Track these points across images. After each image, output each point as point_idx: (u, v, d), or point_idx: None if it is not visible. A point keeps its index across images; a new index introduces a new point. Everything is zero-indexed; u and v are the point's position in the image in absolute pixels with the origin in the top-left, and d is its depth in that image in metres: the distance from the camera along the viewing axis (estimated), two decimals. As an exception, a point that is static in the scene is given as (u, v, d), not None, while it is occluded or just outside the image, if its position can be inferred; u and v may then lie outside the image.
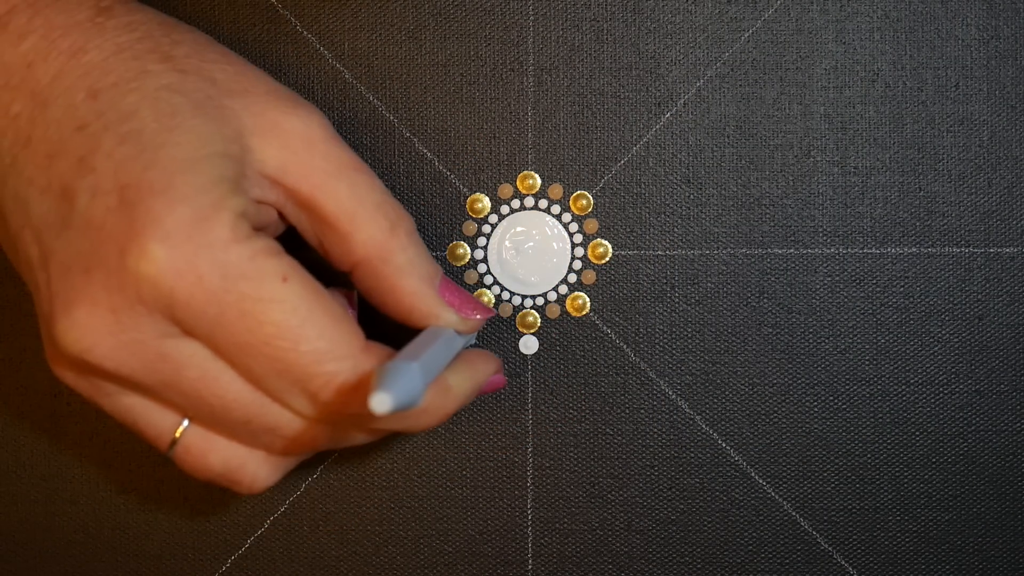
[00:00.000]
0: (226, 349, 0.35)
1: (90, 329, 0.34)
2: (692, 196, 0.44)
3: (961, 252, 0.44)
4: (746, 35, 0.44)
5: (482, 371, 0.39)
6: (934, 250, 0.44)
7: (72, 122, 0.35)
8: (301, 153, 0.36)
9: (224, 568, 0.46)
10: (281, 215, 0.38)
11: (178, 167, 0.34)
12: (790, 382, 0.44)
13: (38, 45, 0.36)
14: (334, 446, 0.38)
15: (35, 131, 0.36)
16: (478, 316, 0.39)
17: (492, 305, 0.45)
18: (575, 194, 0.44)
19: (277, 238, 0.38)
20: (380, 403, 0.30)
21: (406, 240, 0.38)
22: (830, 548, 0.44)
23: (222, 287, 0.34)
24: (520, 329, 0.45)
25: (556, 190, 0.44)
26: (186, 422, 0.37)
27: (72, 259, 0.34)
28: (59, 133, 0.35)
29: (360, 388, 0.35)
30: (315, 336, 0.35)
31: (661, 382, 0.44)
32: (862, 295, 0.44)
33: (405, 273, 0.38)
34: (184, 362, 0.35)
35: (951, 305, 0.44)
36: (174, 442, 0.37)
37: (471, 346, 0.43)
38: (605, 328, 0.44)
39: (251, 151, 0.36)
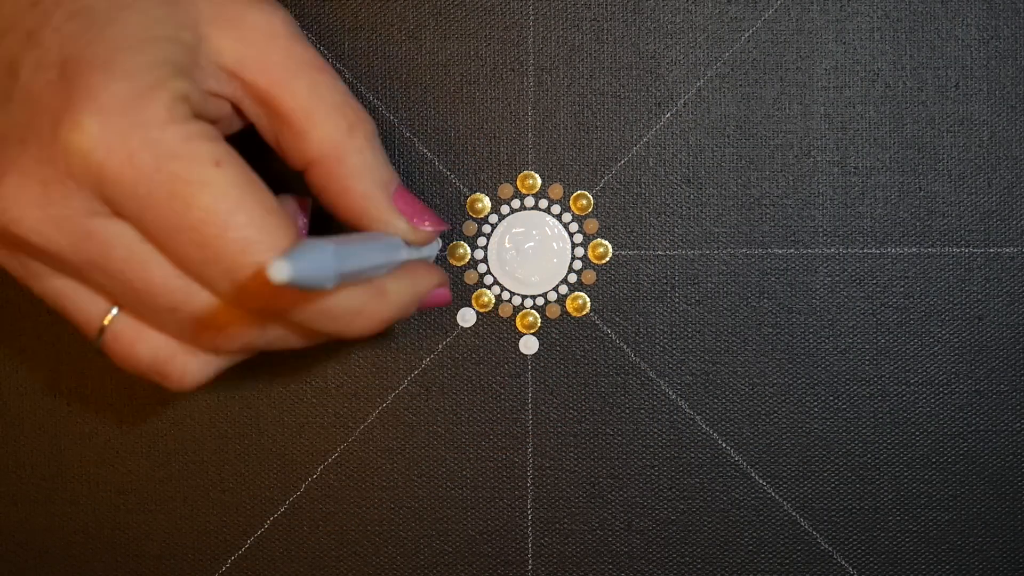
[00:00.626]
0: (154, 231, 0.34)
1: (17, 200, 0.34)
2: (692, 196, 0.44)
3: (961, 252, 0.44)
4: (746, 35, 0.44)
5: (423, 281, 0.39)
6: (934, 250, 0.44)
7: None
8: (261, 47, 0.36)
9: (224, 568, 0.46)
10: (238, 111, 0.38)
11: (122, 44, 0.34)
12: (790, 382, 0.44)
13: None
14: (265, 345, 0.37)
15: None
16: (428, 227, 0.39)
17: (492, 306, 0.45)
18: (575, 194, 0.44)
19: (233, 139, 0.38)
20: (278, 270, 0.29)
21: (363, 143, 0.37)
22: (830, 548, 0.44)
23: (153, 166, 0.33)
24: (520, 329, 0.45)
25: (556, 190, 0.44)
26: (115, 310, 0.36)
27: (9, 131, 0.34)
28: (13, 8, 0.35)
29: None
30: (244, 224, 0.34)
31: (661, 382, 0.44)
32: (862, 295, 0.44)
33: (358, 176, 0.37)
34: (111, 242, 0.34)
35: (951, 305, 0.44)
36: (103, 330, 0.37)
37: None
38: (605, 328, 0.44)
39: (207, 40, 0.35)
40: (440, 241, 0.43)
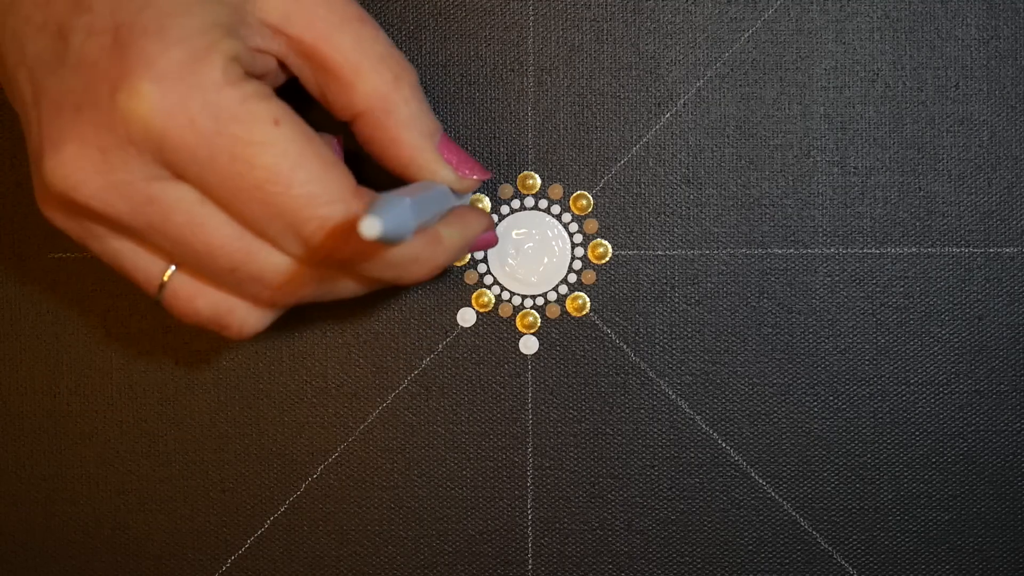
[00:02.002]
0: (217, 193, 0.35)
1: (78, 167, 0.34)
2: (692, 196, 0.44)
3: (961, 252, 0.44)
4: (746, 35, 0.44)
5: (473, 226, 0.40)
6: (934, 250, 0.44)
7: None
8: (305, 2, 0.36)
9: (224, 568, 0.46)
10: (283, 66, 0.38)
11: (173, 9, 0.34)
12: (790, 382, 0.44)
13: None
14: (322, 296, 0.38)
15: None
16: (474, 176, 0.40)
17: (492, 306, 0.45)
18: (575, 194, 0.44)
19: (278, 91, 0.38)
20: (370, 227, 0.30)
21: (409, 93, 0.38)
22: (830, 548, 0.44)
23: (213, 129, 0.34)
24: (520, 329, 0.45)
25: (556, 190, 0.44)
26: (173, 267, 0.37)
27: (64, 97, 0.34)
28: None
29: (350, 231, 0.35)
30: (306, 179, 0.34)
31: (661, 382, 0.44)
32: (862, 295, 0.44)
33: (406, 126, 0.38)
34: (172, 206, 0.35)
35: (951, 305, 0.44)
36: (162, 286, 0.37)
37: None
38: (605, 328, 0.44)
39: (254, 1, 0.36)
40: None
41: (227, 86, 0.34)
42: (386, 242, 0.31)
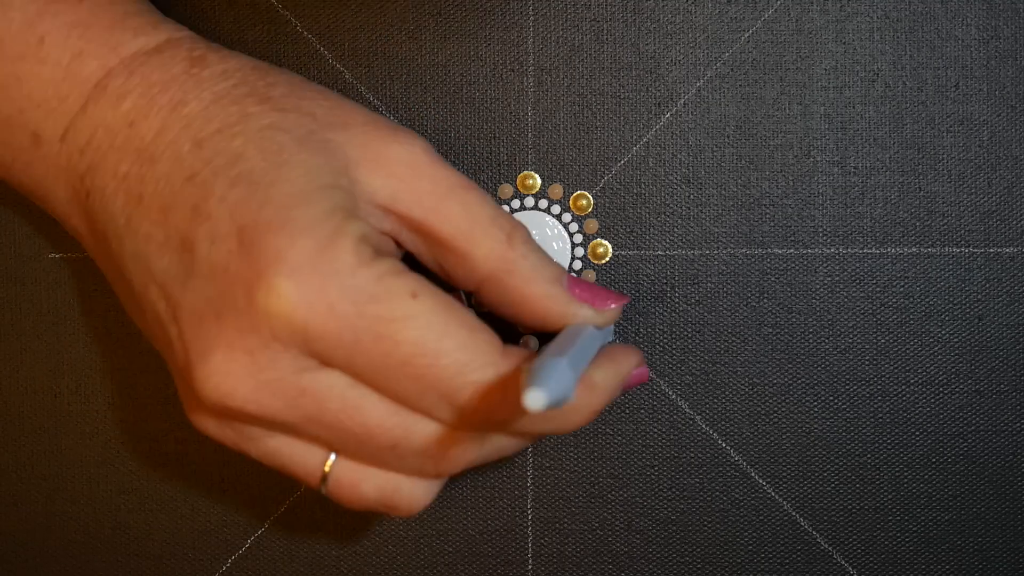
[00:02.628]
0: (366, 374, 0.34)
1: (229, 374, 0.34)
2: (692, 196, 0.44)
3: (961, 252, 0.44)
4: (746, 35, 0.44)
5: (625, 364, 0.38)
6: (934, 250, 0.44)
7: (181, 173, 0.35)
8: (409, 180, 0.36)
9: (224, 568, 0.46)
10: (397, 243, 0.38)
11: (292, 201, 0.34)
12: (790, 382, 0.44)
13: (138, 103, 0.37)
14: (484, 459, 0.38)
15: (145, 188, 0.36)
16: (613, 306, 0.39)
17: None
18: (575, 194, 0.44)
19: None
20: (535, 400, 0.30)
21: (524, 248, 0.37)
22: (830, 548, 0.44)
23: (355, 312, 0.33)
24: (520, 329, 0.45)
25: (556, 190, 0.44)
26: (333, 456, 0.37)
27: (202, 307, 0.34)
28: (169, 186, 0.35)
29: (505, 392, 0.35)
30: (454, 348, 0.34)
31: (661, 382, 0.44)
32: (862, 295, 0.44)
33: (531, 280, 0.37)
34: (325, 394, 0.35)
35: (951, 305, 0.44)
36: (325, 477, 0.37)
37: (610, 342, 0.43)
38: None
39: (359, 182, 0.36)
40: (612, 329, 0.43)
41: (360, 267, 0.34)
42: (553, 407, 0.30)
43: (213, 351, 0.34)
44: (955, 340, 0.44)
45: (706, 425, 0.44)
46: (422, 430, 0.36)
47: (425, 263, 0.38)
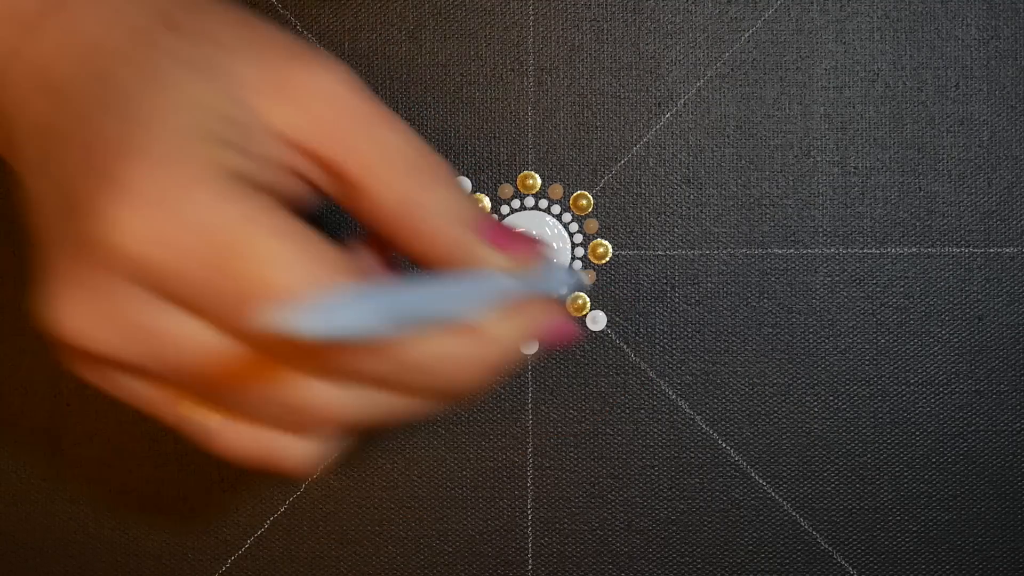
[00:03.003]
0: (216, 316, 0.32)
1: (68, 312, 0.32)
2: (692, 196, 0.44)
3: (961, 252, 0.44)
4: (746, 35, 0.44)
5: (533, 316, 0.35)
6: (934, 250, 0.44)
7: (59, 92, 0.33)
8: (316, 111, 0.33)
9: (224, 568, 0.46)
10: (303, 178, 0.35)
11: (160, 129, 0.31)
12: (790, 382, 0.44)
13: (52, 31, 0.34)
14: (364, 416, 0.35)
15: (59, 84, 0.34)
16: (523, 251, 0.35)
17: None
18: (575, 194, 0.44)
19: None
20: (293, 318, 0.27)
21: (433, 186, 0.34)
22: (830, 548, 0.44)
23: (207, 250, 0.31)
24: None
25: (556, 190, 0.44)
26: (208, 410, 0.35)
27: (50, 236, 0.33)
28: (49, 106, 0.33)
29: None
30: (300, 289, 0.31)
31: (661, 382, 0.44)
32: (862, 295, 0.44)
33: (438, 223, 0.34)
34: (172, 332, 0.32)
35: (951, 305, 0.44)
36: (202, 432, 0.35)
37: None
38: (605, 328, 0.44)
39: (257, 111, 0.33)
40: (572, 276, 0.41)
41: (223, 203, 0.31)
42: (328, 341, 0.27)
43: (55, 288, 0.32)
44: (955, 340, 0.44)
45: (706, 425, 0.44)
46: (289, 381, 0.33)
47: (335, 199, 0.35)
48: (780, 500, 0.44)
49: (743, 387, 0.44)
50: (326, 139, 0.33)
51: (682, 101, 0.44)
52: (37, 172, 0.34)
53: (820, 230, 0.44)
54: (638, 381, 0.44)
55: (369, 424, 0.35)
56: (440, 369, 0.33)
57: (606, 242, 0.44)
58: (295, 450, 0.35)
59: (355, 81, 0.34)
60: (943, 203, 0.44)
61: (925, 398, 0.44)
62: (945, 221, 0.44)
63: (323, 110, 0.33)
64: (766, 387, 0.44)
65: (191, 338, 0.33)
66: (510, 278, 0.34)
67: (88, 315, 0.32)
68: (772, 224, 0.44)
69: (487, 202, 0.44)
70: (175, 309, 0.33)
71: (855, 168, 0.44)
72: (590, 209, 0.44)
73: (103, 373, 0.35)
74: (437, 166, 0.34)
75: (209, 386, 0.34)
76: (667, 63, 0.44)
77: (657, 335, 0.44)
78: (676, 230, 0.44)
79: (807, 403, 0.44)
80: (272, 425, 0.35)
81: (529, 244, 0.35)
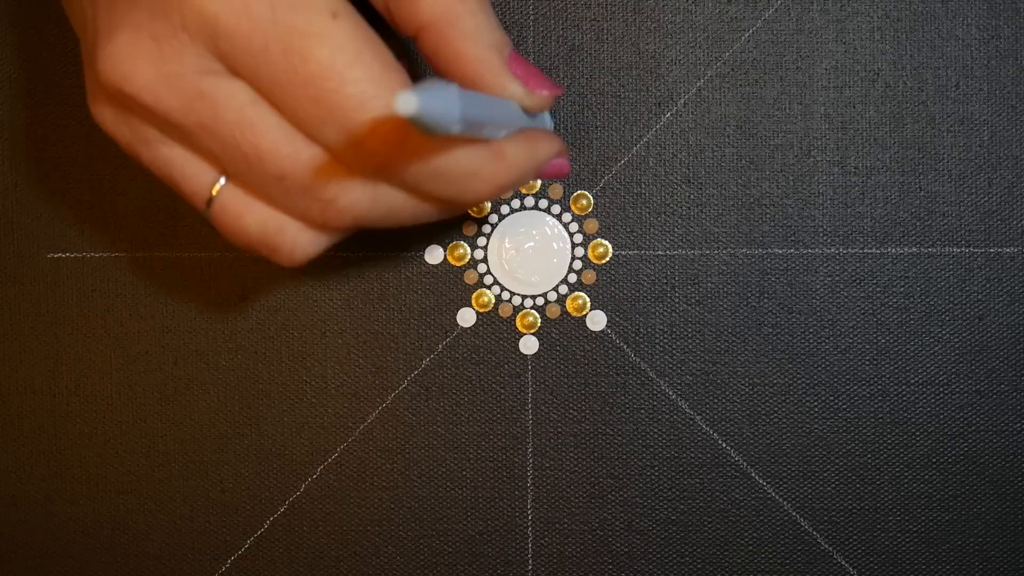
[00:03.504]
0: (268, 87, 0.33)
1: (130, 56, 0.33)
2: (692, 196, 0.44)
3: (961, 252, 0.44)
4: (746, 35, 0.44)
5: (543, 148, 0.37)
6: (934, 250, 0.44)
7: None
8: None
9: (224, 568, 0.46)
10: None
11: None
12: (790, 382, 0.44)
13: None
14: (378, 217, 0.36)
15: None
16: (544, 92, 0.37)
17: (492, 306, 0.45)
18: (575, 194, 0.44)
19: None
20: (405, 102, 0.28)
21: (474, 5, 0.36)
22: (830, 548, 0.44)
23: (269, 17, 0.32)
24: (520, 329, 0.45)
25: (556, 190, 0.44)
26: (223, 180, 0.36)
27: None
28: None
29: (400, 132, 0.33)
30: (361, 78, 0.33)
31: (661, 382, 0.44)
32: (862, 295, 0.44)
33: (472, 39, 0.35)
34: (223, 102, 0.33)
35: (951, 305, 0.44)
36: (211, 201, 0.36)
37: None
38: (605, 328, 0.44)
39: None
40: (552, 119, 0.42)
41: None
42: (425, 128, 0.29)
43: (119, 30, 0.33)
44: (955, 340, 0.44)
45: (706, 425, 0.44)
46: (311, 162, 0.34)
47: (374, 4, 0.37)
48: (780, 500, 0.44)
49: (743, 387, 0.44)
50: None
51: (682, 101, 0.44)
52: None
53: (820, 230, 0.44)
54: (638, 381, 0.44)
55: (375, 225, 0.36)
56: (463, 181, 0.35)
57: (606, 242, 0.44)
58: (296, 237, 0.36)
59: None
60: (943, 203, 0.44)
61: (925, 398, 0.44)
62: (945, 221, 0.44)
63: None
64: (766, 387, 0.44)
65: (240, 111, 0.33)
66: (529, 115, 0.37)
67: (151, 67, 0.33)
68: (772, 224, 0.44)
69: (487, 202, 0.44)
70: (235, 81, 0.33)
71: (855, 168, 0.44)
72: (590, 209, 0.44)
73: (135, 128, 0.35)
74: None
75: (245, 161, 0.34)
76: (667, 63, 0.44)
77: (657, 335, 0.44)
78: (676, 230, 0.44)
79: (807, 403, 0.44)
80: (285, 208, 0.36)
81: (547, 83, 0.37)
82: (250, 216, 0.36)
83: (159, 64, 0.33)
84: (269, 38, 0.32)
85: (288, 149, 0.34)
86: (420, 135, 0.30)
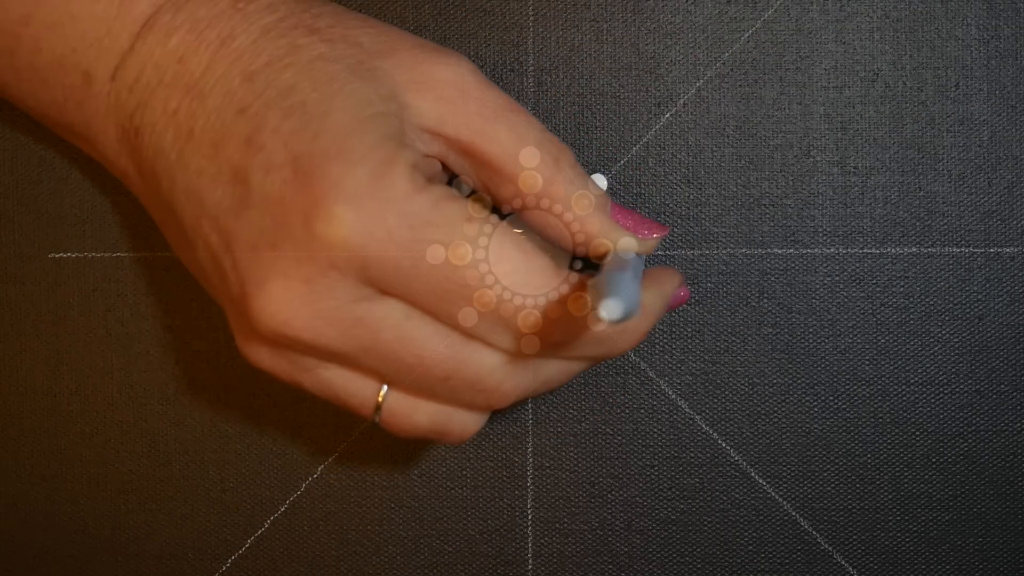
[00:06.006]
0: (424, 300, 0.35)
1: (286, 302, 0.34)
2: (692, 196, 0.44)
3: (961, 252, 0.44)
4: (746, 35, 0.44)
5: (669, 286, 0.39)
6: (934, 250, 0.44)
7: (232, 107, 0.35)
8: (456, 102, 0.37)
9: (224, 568, 0.46)
10: (444, 166, 0.38)
11: (346, 130, 0.34)
12: (790, 382, 0.44)
13: (186, 39, 0.37)
14: (534, 391, 0.38)
15: (196, 123, 0.36)
16: (655, 235, 0.39)
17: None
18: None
19: None
20: (611, 310, 0.30)
21: (571, 172, 0.38)
22: (830, 548, 0.44)
23: (412, 238, 0.34)
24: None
25: (556, 190, 0.44)
26: (386, 388, 0.37)
27: (256, 237, 0.35)
28: (220, 120, 0.36)
29: (566, 314, 0.35)
30: (511, 271, 0.35)
31: (661, 382, 0.44)
32: (862, 295, 0.44)
33: (578, 207, 0.38)
34: (380, 324, 0.35)
35: (951, 305, 0.44)
36: (378, 408, 0.37)
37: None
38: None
39: (407, 107, 0.36)
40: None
41: (416, 193, 0.34)
42: (623, 321, 0.31)
43: (270, 280, 0.34)
44: (955, 340, 0.44)
45: (706, 425, 0.44)
46: (477, 360, 0.36)
47: (472, 185, 0.39)
48: (780, 500, 0.44)
49: (743, 387, 0.44)
50: (467, 127, 0.37)
51: (682, 101, 0.44)
52: (222, 182, 0.35)
53: (820, 230, 0.44)
54: (638, 381, 0.44)
55: (535, 395, 0.38)
56: (612, 341, 0.37)
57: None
58: (464, 422, 0.38)
59: (481, 73, 0.37)
60: (943, 203, 0.44)
61: (925, 398, 0.44)
62: (945, 221, 0.44)
63: (461, 100, 0.36)
64: (766, 387, 0.44)
65: (398, 327, 0.35)
66: (638, 255, 0.39)
67: (307, 307, 0.34)
68: (772, 224, 0.44)
69: (487, 202, 0.44)
70: (388, 300, 0.35)
71: (855, 168, 0.44)
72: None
73: (294, 361, 0.37)
74: (567, 150, 0.38)
75: (409, 371, 0.36)
76: (667, 63, 0.44)
77: (657, 335, 0.44)
78: (676, 230, 0.44)
79: (807, 403, 0.44)
80: (449, 400, 0.37)
81: (653, 226, 0.39)
82: (418, 415, 0.38)
83: (314, 303, 0.34)
84: (417, 257, 0.34)
85: (449, 352, 0.36)
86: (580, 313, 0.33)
